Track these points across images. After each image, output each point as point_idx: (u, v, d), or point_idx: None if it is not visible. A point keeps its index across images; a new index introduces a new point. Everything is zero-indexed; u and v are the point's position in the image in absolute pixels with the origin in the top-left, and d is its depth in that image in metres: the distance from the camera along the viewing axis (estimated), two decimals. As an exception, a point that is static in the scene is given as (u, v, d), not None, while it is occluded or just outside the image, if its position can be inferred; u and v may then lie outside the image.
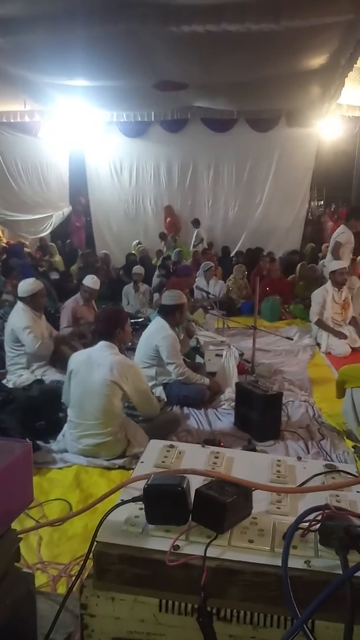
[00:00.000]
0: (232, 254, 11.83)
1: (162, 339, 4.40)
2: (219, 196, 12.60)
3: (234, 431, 4.01)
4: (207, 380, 4.58)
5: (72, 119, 10.97)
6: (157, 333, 4.45)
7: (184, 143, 12.16)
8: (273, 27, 5.60)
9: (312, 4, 5.43)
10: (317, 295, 6.68)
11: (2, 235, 12.38)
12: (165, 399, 4.39)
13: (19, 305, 4.92)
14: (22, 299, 4.91)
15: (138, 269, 8.82)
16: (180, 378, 4.43)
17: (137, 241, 12.49)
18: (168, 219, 12.84)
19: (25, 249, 11.86)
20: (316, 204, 18.96)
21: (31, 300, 4.87)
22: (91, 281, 6.06)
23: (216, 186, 12.53)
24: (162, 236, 12.70)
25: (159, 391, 4.44)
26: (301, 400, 4.68)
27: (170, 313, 4.55)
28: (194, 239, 12.50)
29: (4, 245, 11.45)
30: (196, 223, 12.53)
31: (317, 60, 7.41)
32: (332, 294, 6.55)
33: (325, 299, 6.54)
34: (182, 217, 12.83)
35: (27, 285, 4.94)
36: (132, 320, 5.17)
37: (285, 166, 12.07)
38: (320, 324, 6.53)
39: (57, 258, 11.93)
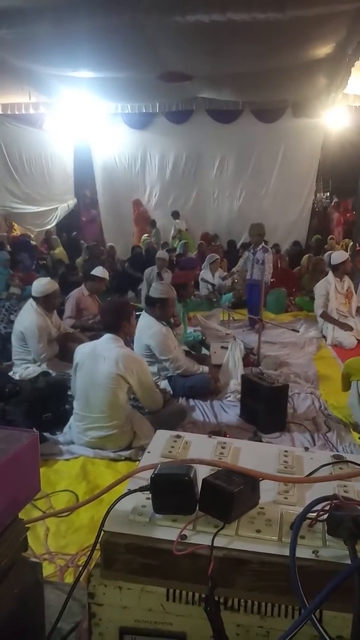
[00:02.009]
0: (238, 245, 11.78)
1: (151, 337, 4.31)
2: (225, 188, 12.56)
3: (240, 423, 4.01)
4: (205, 368, 4.55)
5: (77, 110, 10.93)
6: (145, 331, 4.34)
7: (189, 134, 12.12)
8: (279, 16, 5.55)
9: (319, -7, 5.39)
10: (319, 288, 6.66)
11: (15, 227, 12.37)
12: (171, 392, 4.37)
13: (31, 304, 4.83)
14: (35, 299, 4.84)
15: (162, 254, 8.58)
16: (178, 372, 4.39)
17: (146, 235, 12.48)
18: (135, 212, 12.86)
19: (31, 241, 11.87)
20: (322, 195, 18.78)
21: (44, 301, 4.82)
22: (101, 271, 6.14)
23: (221, 178, 12.49)
24: (152, 224, 12.70)
25: (164, 384, 4.41)
26: (307, 392, 4.67)
27: (154, 305, 4.43)
28: (172, 230, 12.51)
29: (5, 235, 11.43)
30: (175, 215, 12.55)
31: (324, 50, 7.34)
32: (334, 285, 6.54)
33: (328, 291, 6.54)
34: (186, 209, 12.79)
35: (41, 286, 4.86)
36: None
37: (291, 157, 12.01)
38: (325, 316, 6.52)
39: (58, 251, 11.87)
